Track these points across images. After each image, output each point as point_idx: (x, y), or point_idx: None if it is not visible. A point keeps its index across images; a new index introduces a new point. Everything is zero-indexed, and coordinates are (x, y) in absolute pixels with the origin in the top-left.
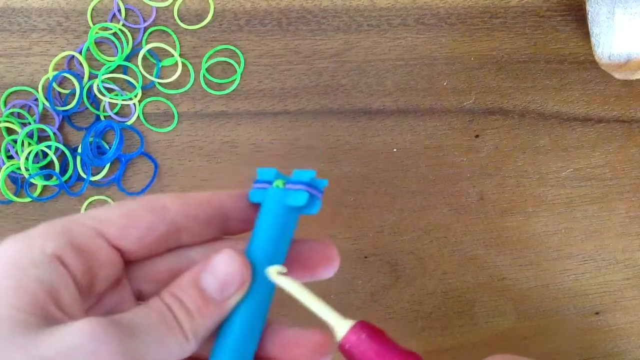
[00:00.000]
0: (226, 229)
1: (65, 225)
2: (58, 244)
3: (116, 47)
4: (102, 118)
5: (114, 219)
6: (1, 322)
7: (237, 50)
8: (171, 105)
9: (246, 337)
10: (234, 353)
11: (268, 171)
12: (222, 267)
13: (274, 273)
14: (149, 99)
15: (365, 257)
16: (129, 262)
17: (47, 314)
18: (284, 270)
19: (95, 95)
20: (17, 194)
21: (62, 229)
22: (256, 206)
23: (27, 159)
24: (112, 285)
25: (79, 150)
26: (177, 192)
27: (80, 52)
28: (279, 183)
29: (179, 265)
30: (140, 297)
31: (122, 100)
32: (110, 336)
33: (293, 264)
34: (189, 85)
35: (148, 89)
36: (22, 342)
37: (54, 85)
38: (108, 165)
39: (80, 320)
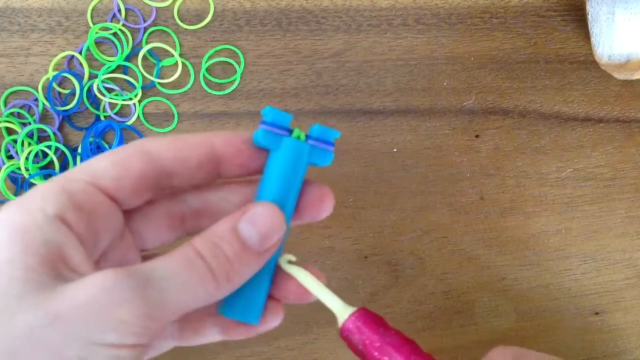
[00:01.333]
0: (220, 172)
1: (63, 185)
2: (58, 205)
3: (116, 47)
4: (102, 118)
5: (108, 170)
6: (15, 283)
7: (237, 50)
8: (171, 105)
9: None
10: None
11: (280, 115)
12: (263, 220)
13: (285, 262)
14: (149, 99)
15: (365, 257)
16: (126, 212)
17: (59, 274)
18: (294, 258)
19: (95, 95)
20: (17, 194)
21: (60, 189)
22: (258, 150)
23: (27, 159)
24: (116, 239)
25: (79, 150)
26: (169, 135)
27: (80, 52)
28: (300, 135)
29: (178, 211)
30: (144, 249)
31: (122, 100)
32: (125, 284)
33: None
34: (189, 85)
35: (148, 89)
36: (37, 300)
37: (54, 85)
38: None
39: (93, 274)
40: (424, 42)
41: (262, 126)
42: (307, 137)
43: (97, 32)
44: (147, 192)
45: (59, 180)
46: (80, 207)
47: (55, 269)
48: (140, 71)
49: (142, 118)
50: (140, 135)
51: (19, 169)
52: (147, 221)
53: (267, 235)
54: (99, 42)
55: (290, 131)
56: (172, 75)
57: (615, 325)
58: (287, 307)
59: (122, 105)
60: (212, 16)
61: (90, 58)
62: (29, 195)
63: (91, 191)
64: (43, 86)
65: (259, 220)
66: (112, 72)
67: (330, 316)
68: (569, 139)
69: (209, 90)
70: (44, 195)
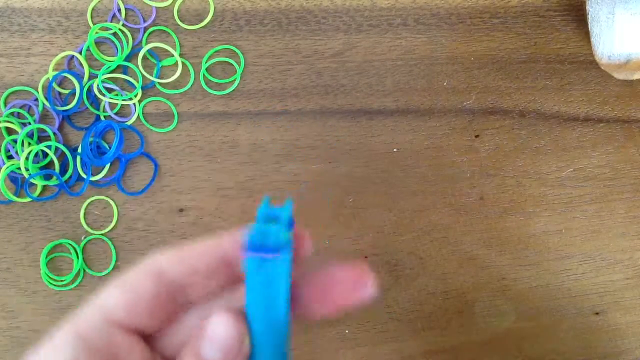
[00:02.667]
0: (236, 274)
1: (76, 330)
2: (76, 355)
3: (116, 47)
4: (102, 118)
5: (119, 301)
6: None
7: (237, 50)
8: (171, 105)
9: None
10: None
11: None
12: (220, 334)
13: None
14: (149, 99)
15: (365, 257)
16: (149, 336)
17: None
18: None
19: (95, 95)
20: (17, 194)
21: (74, 336)
22: None
23: (27, 159)
24: None
25: (79, 150)
26: (175, 246)
27: (80, 52)
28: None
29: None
30: None
31: (122, 100)
32: None
33: (324, 297)
34: (189, 85)
35: (148, 89)
36: None
37: (54, 85)
38: (108, 165)
39: None
40: (424, 42)
41: (248, 254)
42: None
43: (97, 32)
44: (165, 312)
45: (73, 325)
46: (98, 351)
47: None
48: (140, 71)
49: (142, 118)
50: (140, 135)
51: (19, 169)
52: (171, 342)
53: (228, 349)
54: (99, 42)
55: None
56: (172, 75)
57: (615, 325)
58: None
59: (122, 105)
60: (212, 16)
61: (90, 58)
62: (46, 347)
63: (106, 330)
64: (43, 86)
65: (217, 336)
66: (112, 72)
67: None
68: (569, 139)
69: (209, 90)
70: (61, 346)
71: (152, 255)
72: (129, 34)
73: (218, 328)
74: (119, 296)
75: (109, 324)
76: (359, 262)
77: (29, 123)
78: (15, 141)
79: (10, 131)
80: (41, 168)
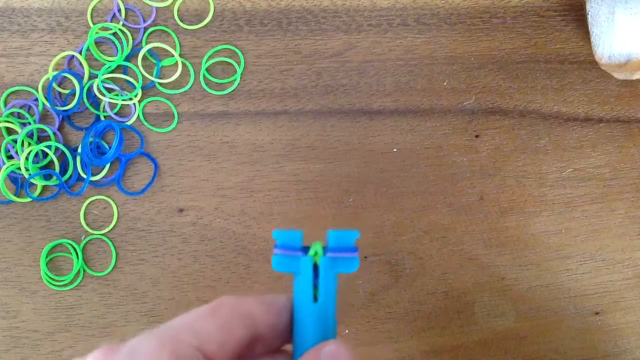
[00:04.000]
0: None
1: (173, 350)
2: None
3: (116, 47)
4: (102, 118)
5: (214, 335)
6: None
7: (237, 50)
8: (171, 105)
9: None
10: None
11: (290, 235)
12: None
13: None
14: (149, 99)
15: (365, 257)
16: None
17: None
18: None
19: (95, 95)
20: (17, 194)
21: (170, 354)
22: None
23: (27, 159)
24: None
25: (79, 150)
26: (260, 293)
27: (80, 52)
28: (317, 250)
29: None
30: None
31: (122, 100)
32: None
33: None
34: (189, 85)
35: (148, 89)
36: None
37: (54, 85)
38: (108, 165)
39: None
40: (424, 42)
41: (276, 251)
42: (326, 248)
43: (97, 32)
44: (238, 357)
45: (167, 341)
46: None
47: None
48: (140, 71)
49: (142, 118)
50: (140, 135)
51: (19, 169)
52: None
53: None
54: (99, 42)
55: (307, 249)
56: (172, 75)
57: (615, 325)
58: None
59: (122, 105)
60: (212, 16)
61: (90, 58)
62: (138, 353)
63: (198, 358)
64: (43, 86)
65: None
66: (112, 72)
67: None
68: (569, 139)
69: (209, 90)
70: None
71: (239, 297)
72: (129, 34)
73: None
74: (214, 331)
75: (200, 353)
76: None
77: (29, 123)
78: (15, 141)
79: (10, 131)
80: (41, 168)
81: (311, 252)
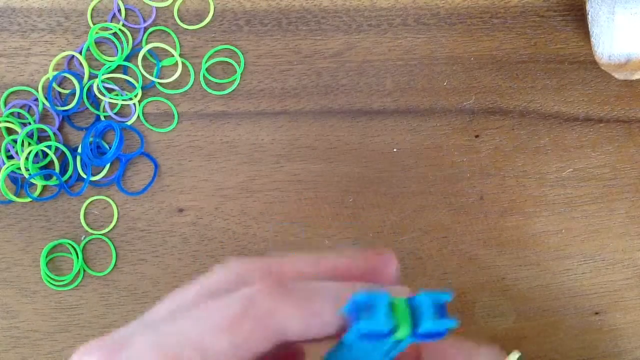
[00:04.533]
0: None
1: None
2: None
3: (116, 47)
4: (102, 118)
5: (227, 353)
6: None
7: (237, 50)
8: (171, 105)
9: None
10: None
11: (378, 324)
12: None
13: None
14: (149, 99)
15: None
16: None
17: None
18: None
19: (95, 95)
20: (17, 194)
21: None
22: None
23: (27, 159)
24: None
25: (79, 150)
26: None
27: (80, 52)
28: (404, 330)
29: None
30: None
31: (122, 100)
32: None
33: None
34: (189, 85)
35: (148, 89)
36: None
37: (54, 85)
38: (108, 165)
39: None
40: (424, 42)
41: (355, 331)
42: (412, 328)
43: (97, 32)
44: None
45: (169, 352)
46: None
47: None
48: (140, 71)
49: (142, 118)
50: (140, 135)
51: (19, 169)
52: None
53: None
54: (99, 42)
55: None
56: (172, 75)
57: (615, 325)
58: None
59: (122, 105)
60: (212, 16)
61: (90, 58)
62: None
63: None
64: (43, 86)
65: None
66: (112, 72)
67: None
68: (569, 139)
69: (209, 90)
70: None
71: (275, 296)
72: (129, 34)
73: None
74: (228, 351)
75: None
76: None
77: (29, 123)
78: (15, 141)
79: (10, 131)
80: (41, 168)
81: (397, 335)
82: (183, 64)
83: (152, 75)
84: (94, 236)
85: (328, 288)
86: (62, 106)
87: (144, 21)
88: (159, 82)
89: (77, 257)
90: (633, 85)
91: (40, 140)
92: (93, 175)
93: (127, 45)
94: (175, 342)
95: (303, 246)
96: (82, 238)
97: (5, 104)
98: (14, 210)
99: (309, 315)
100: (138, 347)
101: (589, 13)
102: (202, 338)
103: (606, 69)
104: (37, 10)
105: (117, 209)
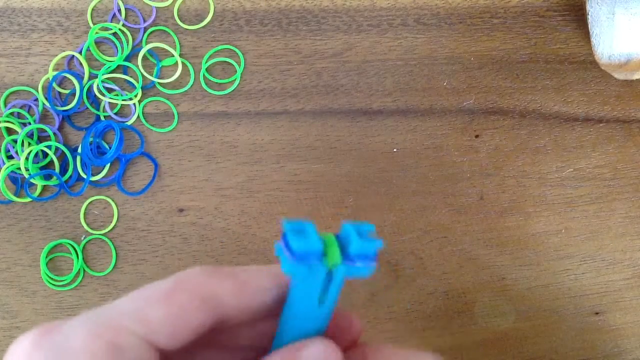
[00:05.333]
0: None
1: (112, 340)
2: None
3: (116, 47)
4: (102, 118)
5: (164, 325)
6: None
7: (237, 50)
8: (171, 105)
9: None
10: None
11: (309, 243)
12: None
13: None
14: (149, 99)
15: None
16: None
17: None
18: None
19: (95, 95)
20: (17, 194)
21: (108, 345)
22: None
23: (27, 159)
24: None
25: (79, 150)
26: (232, 266)
27: (80, 52)
28: (334, 258)
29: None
30: None
31: (122, 100)
32: None
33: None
34: (189, 85)
35: (148, 89)
36: None
37: (54, 85)
38: (108, 165)
39: None
40: (424, 42)
41: (288, 255)
42: (342, 254)
43: (97, 32)
44: (196, 341)
45: (104, 330)
46: None
47: None
48: (140, 71)
49: (142, 118)
50: (140, 135)
51: (19, 169)
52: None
53: None
54: (99, 42)
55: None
56: (172, 75)
57: (615, 325)
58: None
59: (122, 105)
60: (212, 16)
61: (90, 58)
62: (73, 344)
63: (143, 350)
64: (43, 86)
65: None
66: (112, 72)
67: None
68: (569, 139)
69: (209, 90)
70: (94, 351)
71: (206, 273)
72: (129, 34)
73: (319, 355)
74: (165, 319)
75: (146, 345)
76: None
77: (29, 123)
78: (15, 141)
79: (10, 131)
80: (41, 168)
81: (328, 261)
82: (183, 64)
83: (152, 75)
84: (94, 236)
85: (258, 267)
86: (62, 106)
87: (144, 21)
88: (159, 82)
89: (77, 257)
90: (633, 85)
91: (40, 140)
92: (93, 175)
93: (127, 45)
94: (110, 317)
95: None
96: (82, 238)
97: (5, 104)
98: (14, 210)
99: (241, 284)
100: (70, 328)
101: (589, 13)
102: (139, 309)
103: (606, 69)
104: (37, 10)
105: (117, 209)
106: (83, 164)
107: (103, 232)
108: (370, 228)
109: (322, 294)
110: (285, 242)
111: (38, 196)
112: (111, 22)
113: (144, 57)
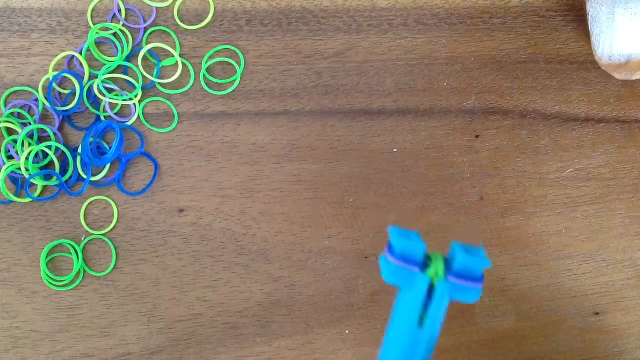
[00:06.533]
0: None
1: None
2: None
3: (116, 47)
4: (102, 118)
5: None
6: None
7: (237, 50)
8: (171, 105)
9: None
10: None
11: (411, 244)
12: None
13: None
14: (149, 99)
15: (365, 257)
16: None
17: None
18: None
19: (95, 95)
20: (17, 194)
21: None
22: None
23: (27, 159)
24: None
25: (79, 150)
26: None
27: (80, 52)
28: (438, 269)
29: None
30: None
31: (122, 100)
32: None
33: None
34: (189, 85)
35: (148, 89)
36: None
37: (54, 85)
38: (108, 165)
39: None
40: (424, 42)
41: (390, 258)
42: (447, 269)
43: (97, 32)
44: None
45: None
46: None
47: None
48: (140, 71)
49: (142, 118)
50: (140, 135)
51: (19, 169)
52: None
53: None
54: (99, 42)
55: (424, 261)
56: (172, 75)
57: (615, 325)
58: (287, 306)
59: (122, 105)
60: (212, 16)
61: (90, 58)
62: None
63: None
64: (43, 86)
65: None
66: (112, 72)
67: (330, 315)
68: (569, 139)
69: (209, 90)
70: None
71: None
72: (129, 34)
73: None
74: None
75: None
76: None
77: (29, 123)
78: (15, 141)
79: (10, 131)
80: (41, 168)
81: (431, 270)
82: (183, 64)
83: (152, 75)
84: (94, 236)
85: None
86: (62, 106)
87: (144, 21)
88: (159, 82)
89: (77, 257)
90: (633, 85)
91: (40, 140)
92: (93, 175)
93: (127, 45)
94: None
95: (303, 246)
96: (82, 238)
97: (5, 104)
98: (14, 210)
99: None
100: None
101: (589, 13)
102: None
103: (606, 69)
104: (37, 10)
105: (117, 209)
106: (83, 164)
107: (103, 232)
108: (479, 249)
109: (423, 313)
110: (389, 246)
111: (38, 196)
112: (111, 22)
113: (144, 57)
